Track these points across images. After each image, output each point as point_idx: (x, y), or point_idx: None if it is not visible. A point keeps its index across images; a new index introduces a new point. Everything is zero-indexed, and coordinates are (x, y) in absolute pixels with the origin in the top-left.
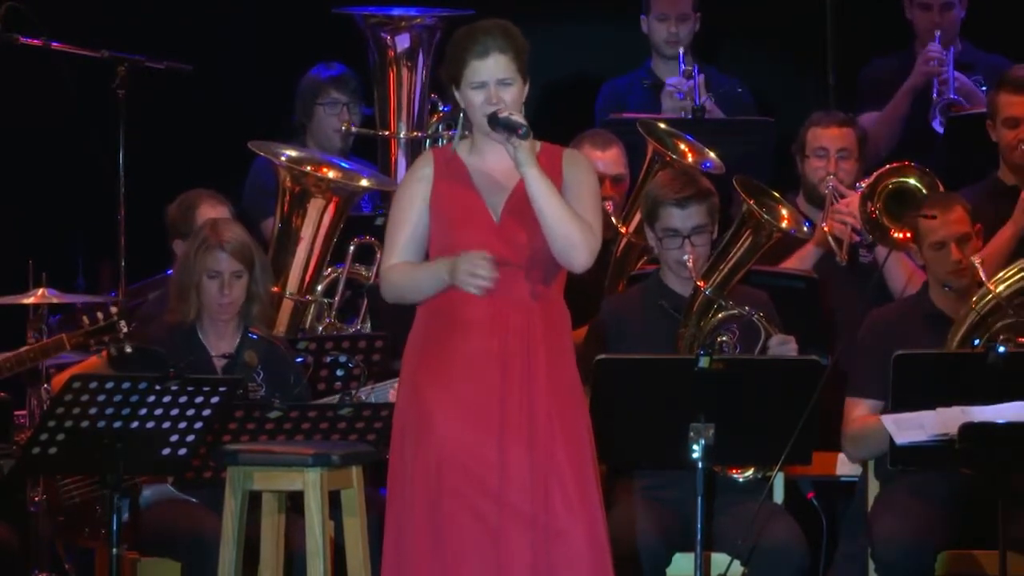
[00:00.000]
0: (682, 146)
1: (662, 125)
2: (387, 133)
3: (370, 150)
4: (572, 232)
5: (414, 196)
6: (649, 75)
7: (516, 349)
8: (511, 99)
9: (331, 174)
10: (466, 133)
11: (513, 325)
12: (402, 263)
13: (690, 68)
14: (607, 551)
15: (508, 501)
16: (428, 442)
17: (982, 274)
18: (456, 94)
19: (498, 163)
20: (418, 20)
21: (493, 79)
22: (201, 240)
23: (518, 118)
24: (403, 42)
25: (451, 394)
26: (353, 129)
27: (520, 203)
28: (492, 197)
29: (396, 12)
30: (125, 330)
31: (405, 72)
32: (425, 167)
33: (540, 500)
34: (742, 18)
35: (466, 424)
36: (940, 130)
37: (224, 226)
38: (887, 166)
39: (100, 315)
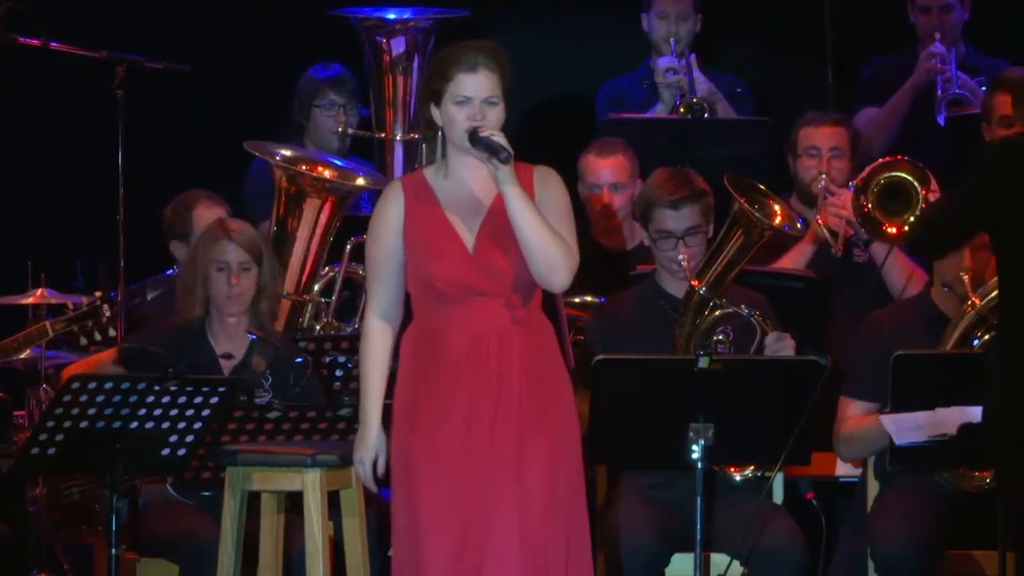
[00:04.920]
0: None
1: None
2: (383, 135)
3: (367, 150)
4: (552, 252)
5: (386, 237)
6: (649, 74)
7: (496, 381)
8: (495, 119)
9: (326, 173)
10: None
11: (493, 355)
12: (373, 341)
13: (681, 50)
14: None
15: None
16: (414, 498)
17: (968, 288)
18: (434, 111)
19: (472, 183)
20: (413, 23)
21: (479, 96)
22: (208, 234)
23: (501, 139)
24: (398, 46)
25: (432, 442)
26: (350, 131)
27: (495, 225)
28: (465, 223)
29: (391, 15)
30: (108, 314)
31: (400, 74)
32: (395, 201)
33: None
34: (742, 18)
35: (449, 476)
36: (944, 125)
37: (231, 221)
38: (879, 160)
39: (84, 300)
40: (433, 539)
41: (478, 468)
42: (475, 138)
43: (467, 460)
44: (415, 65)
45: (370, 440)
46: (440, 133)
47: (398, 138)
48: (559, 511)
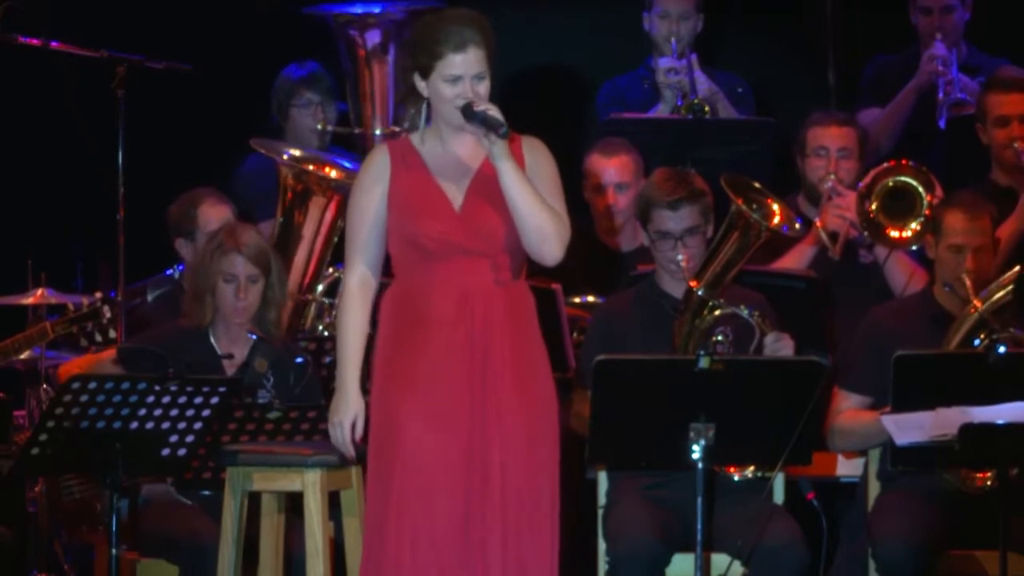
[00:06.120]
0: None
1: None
2: (362, 131)
3: (349, 147)
4: (546, 224)
5: (370, 199)
6: (650, 74)
7: (482, 340)
8: (485, 92)
9: (333, 173)
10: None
11: (479, 314)
12: (352, 304)
13: (683, 50)
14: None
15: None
16: (398, 456)
17: (970, 290)
18: (420, 82)
19: (460, 148)
20: (387, 16)
21: (469, 73)
22: (218, 244)
23: (497, 114)
24: (373, 38)
25: (418, 399)
26: (329, 127)
27: (484, 188)
28: (453, 184)
29: (364, 10)
30: (108, 316)
31: (377, 68)
32: (380, 163)
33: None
34: (743, 17)
35: (434, 431)
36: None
37: (242, 230)
38: (884, 165)
39: (84, 301)
40: (432, 496)
41: (463, 428)
42: (470, 114)
43: (454, 418)
44: (390, 58)
45: (349, 404)
46: (426, 101)
47: (378, 132)
48: (537, 478)
